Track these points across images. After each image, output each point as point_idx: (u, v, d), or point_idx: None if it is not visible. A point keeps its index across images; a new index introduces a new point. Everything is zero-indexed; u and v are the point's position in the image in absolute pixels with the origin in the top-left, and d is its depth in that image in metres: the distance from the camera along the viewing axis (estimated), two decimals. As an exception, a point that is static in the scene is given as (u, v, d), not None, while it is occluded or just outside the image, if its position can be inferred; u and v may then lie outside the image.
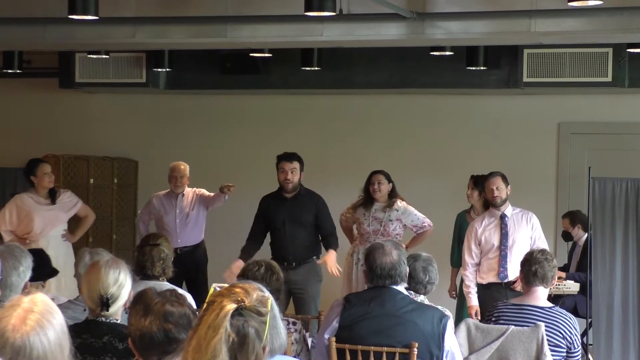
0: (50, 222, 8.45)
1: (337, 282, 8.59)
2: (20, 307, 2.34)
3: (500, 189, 7.66)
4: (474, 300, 7.67)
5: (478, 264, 7.69)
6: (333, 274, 7.87)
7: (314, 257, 8.03)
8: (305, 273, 7.91)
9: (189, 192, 8.90)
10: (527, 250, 7.04)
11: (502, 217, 7.67)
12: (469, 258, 7.75)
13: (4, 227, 8.44)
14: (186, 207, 8.82)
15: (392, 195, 8.24)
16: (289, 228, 7.97)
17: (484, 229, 7.70)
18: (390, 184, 8.25)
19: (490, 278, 7.62)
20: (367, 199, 8.23)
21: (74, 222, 8.91)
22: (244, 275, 5.00)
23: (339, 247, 8.09)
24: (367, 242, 8.01)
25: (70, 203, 8.61)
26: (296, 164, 7.98)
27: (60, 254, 8.12)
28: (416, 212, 8.23)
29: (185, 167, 8.86)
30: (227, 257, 8.99)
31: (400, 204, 8.22)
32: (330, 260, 7.85)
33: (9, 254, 4.36)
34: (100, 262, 4.16)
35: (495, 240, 7.65)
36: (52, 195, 8.49)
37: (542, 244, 7.57)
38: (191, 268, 8.62)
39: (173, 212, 8.77)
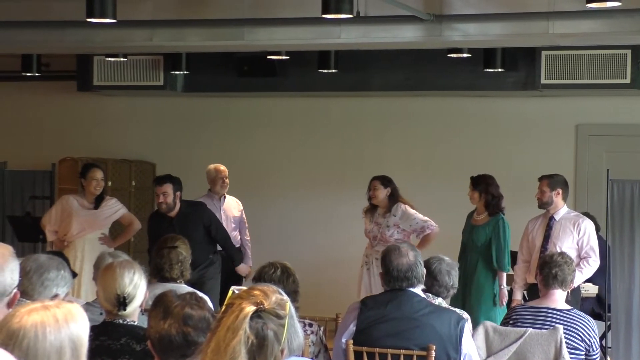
0: (88, 226, 8.57)
1: (353, 283, 8.60)
2: (44, 303, 2.36)
3: (542, 191, 7.67)
4: (516, 294, 7.72)
5: (528, 261, 7.69)
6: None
7: (212, 254, 8.23)
8: (201, 285, 7.74)
9: (229, 198, 9.02)
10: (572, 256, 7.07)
11: (550, 219, 7.67)
12: (520, 253, 7.84)
13: (49, 226, 8.63)
14: (229, 210, 8.93)
15: (393, 198, 8.24)
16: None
17: (535, 228, 7.73)
18: (388, 189, 8.25)
19: (531, 278, 7.59)
20: (371, 205, 8.34)
21: (119, 229, 9.03)
22: (260, 277, 4.99)
23: (242, 258, 8.59)
24: (371, 248, 8.26)
25: (111, 210, 8.72)
26: (167, 187, 8.08)
27: (95, 256, 8.20)
28: (417, 215, 8.20)
29: (225, 167, 8.97)
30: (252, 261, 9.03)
31: (400, 208, 8.21)
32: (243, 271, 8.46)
33: (59, 260, 4.39)
34: (114, 263, 4.17)
35: (539, 241, 7.66)
36: (97, 202, 8.60)
37: (590, 251, 7.50)
38: (233, 269, 8.73)
39: (218, 214, 8.82)
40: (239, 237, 8.97)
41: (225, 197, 8.97)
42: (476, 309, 7.91)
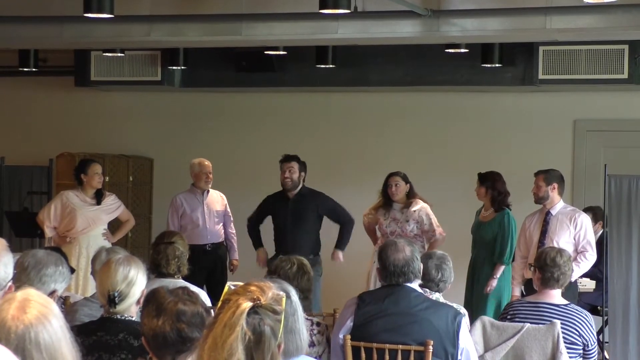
0: (92, 222, 8.59)
1: (353, 279, 8.62)
2: (15, 300, 2.34)
3: (538, 186, 7.70)
4: (515, 291, 7.79)
5: (526, 256, 7.72)
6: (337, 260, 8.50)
7: (313, 254, 8.36)
8: None
9: (213, 192, 9.02)
10: (569, 250, 7.10)
11: (547, 215, 7.69)
12: (517, 249, 7.91)
13: (48, 223, 8.61)
14: (212, 205, 8.93)
15: (410, 195, 8.31)
16: (291, 226, 8.41)
17: (532, 224, 7.76)
18: (408, 185, 8.33)
19: (529, 274, 7.60)
20: (386, 201, 8.31)
21: (115, 224, 9.04)
22: (275, 272, 4.97)
23: (349, 236, 8.61)
24: None
25: (113, 206, 8.77)
26: (294, 164, 8.51)
27: None
28: (432, 217, 8.28)
29: (209, 162, 8.96)
30: (240, 254, 9.03)
31: (420, 204, 8.28)
32: (337, 257, 8.54)
33: (57, 256, 4.38)
34: (112, 259, 4.16)
35: (536, 236, 7.69)
36: (98, 196, 8.63)
37: (587, 245, 7.55)
38: (217, 264, 8.82)
39: (200, 208, 8.85)
40: (222, 231, 8.97)
41: (208, 191, 8.97)
42: (484, 304, 7.96)
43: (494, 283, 8.02)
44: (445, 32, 7.62)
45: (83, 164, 8.75)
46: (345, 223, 8.57)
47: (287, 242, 8.33)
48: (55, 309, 2.35)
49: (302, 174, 8.56)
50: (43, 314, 2.31)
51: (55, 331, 2.31)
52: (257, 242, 8.73)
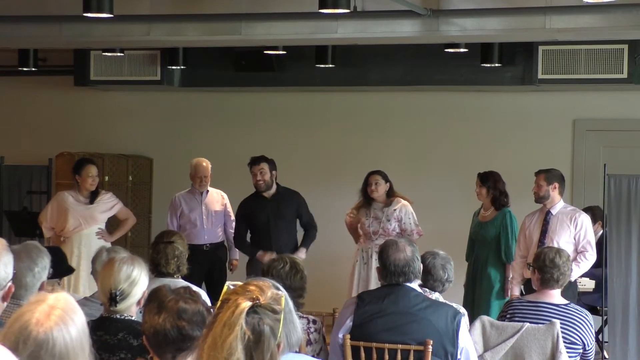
0: (84, 221, 8.57)
1: (345, 282, 8.61)
2: (44, 303, 2.34)
3: (539, 186, 7.71)
4: (515, 290, 7.80)
5: (526, 256, 7.72)
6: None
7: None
8: None
9: (213, 191, 8.97)
10: (569, 250, 7.11)
11: (547, 214, 7.70)
12: (517, 249, 7.91)
13: (45, 223, 8.65)
14: (211, 205, 8.90)
15: (390, 194, 8.31)
16: (273, 225, 8.33)
17: (532, 223, 7.78)
18: (388, 184, 8.34)
19: (529, 273, 7.60)
20: (366, 200, 8.33)
21: (115, 224, 9.03)
22: (268, 272, 4.96)
23: (314, 240, 8.54)
24: (369, 241, 8.28)
25: (109, 204, 8.73)
26: (264, 165, 8.39)
27: (92, 251, 8.20)
28: (412, 216, 8.28)
29: (207, 164, 8.91)
30: (240, 254, 9.02)
31: (400, 202, 8.29)
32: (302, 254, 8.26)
33: (26, 254, 4.36)
34: (116, 258, 4.15)
35: (536, 236, 7.70)
36: (93, 196, 8.61)
37: (587, 245, 7.57)
38: (216, 263, 8.78)
39: (199, 209, 8.82)
40: (221, 232, 8.93)
41: (208, 191, 8.93)
42: (487, 303, 7.96)
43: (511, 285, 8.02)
44: (445, 31, 7.63)
45: (77, 166, 8.72)
46: (310, 229, 8.50)
47: (271, 241, 8.28)
48: (78, 319, 2.34)
49: (274, 172, 8.46)
50: (64, 323, 2.30)
51: (73, 342, 2.30)
52: (252, 250, 8.50)
